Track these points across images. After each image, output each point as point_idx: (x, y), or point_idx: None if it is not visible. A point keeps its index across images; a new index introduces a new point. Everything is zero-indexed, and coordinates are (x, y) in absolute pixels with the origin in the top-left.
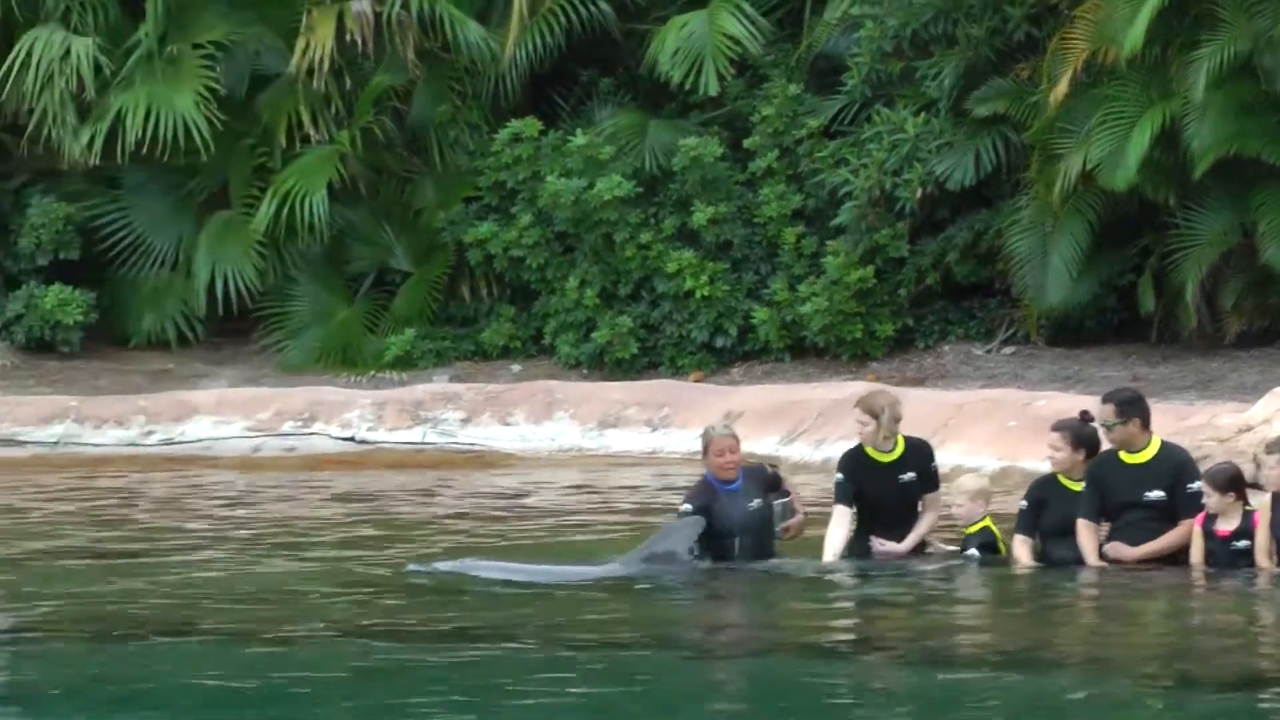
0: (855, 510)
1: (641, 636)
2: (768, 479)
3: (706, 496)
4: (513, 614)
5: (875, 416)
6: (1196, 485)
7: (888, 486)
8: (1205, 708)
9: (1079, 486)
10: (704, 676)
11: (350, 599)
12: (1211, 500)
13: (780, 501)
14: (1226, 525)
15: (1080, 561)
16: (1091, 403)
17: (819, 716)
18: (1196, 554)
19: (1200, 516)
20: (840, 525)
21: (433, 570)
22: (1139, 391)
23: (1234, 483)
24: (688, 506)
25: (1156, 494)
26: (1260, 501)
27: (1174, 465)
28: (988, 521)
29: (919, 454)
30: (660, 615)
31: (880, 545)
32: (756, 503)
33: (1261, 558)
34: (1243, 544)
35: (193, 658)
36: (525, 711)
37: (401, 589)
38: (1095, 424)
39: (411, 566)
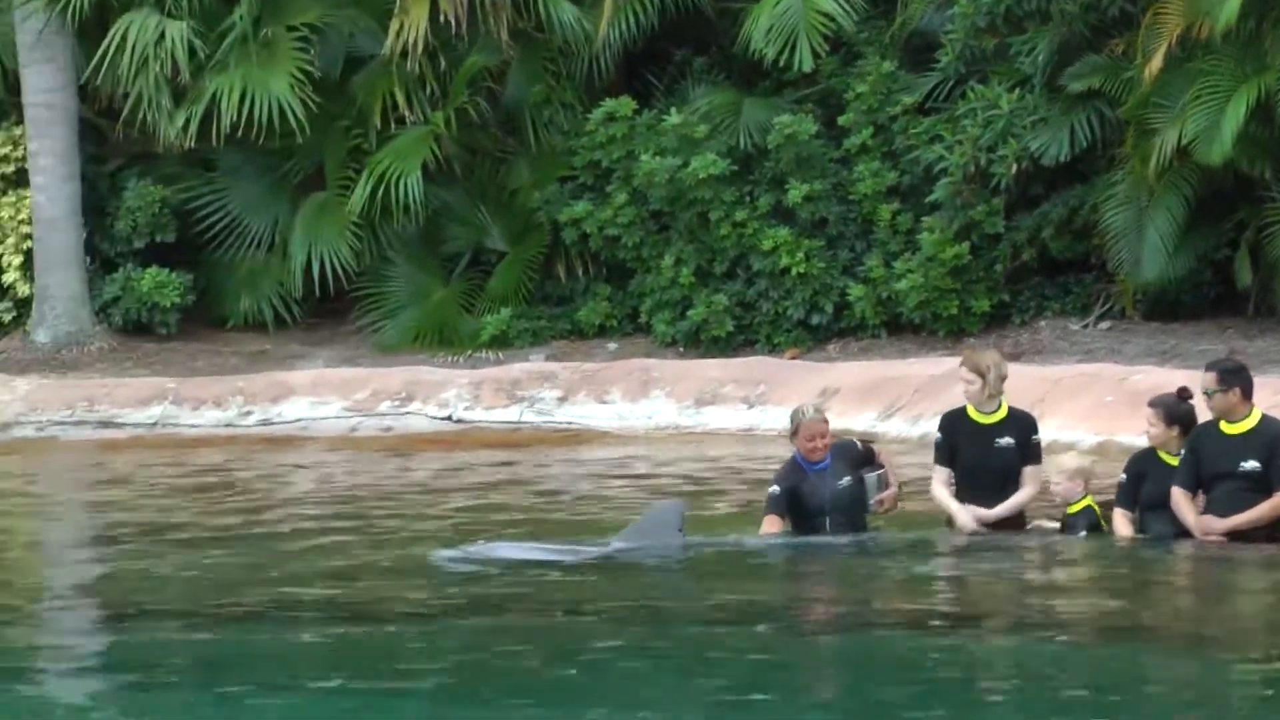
0: (952, 472)
1: (736, 613)
2: (858, 455)
3: (795, 477)
4: (597, 593)
5: (981, 374)
6: None
7: (983, 448)
8: None
9: (1177, 461)
10: (800, 652)
11: (443, 578)
12: None
13: (874, 474)
14: None
15: (1180, 534)
16: (1187, 377)
17: (917, 689)
18: None
19: None
20: (942, 483)
21: (460, 556)
22: (1243, 363)
23: None
24: (776, 488)
25: (1252, 464)
26: None
27: (1271, 437)
28: (1089, 501)
29: (1021, 423)
30: (753, 592)
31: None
32: (846, 480)
33: None
34: None
35: (290, 636)
36: (629, 683)
37: (488, 570)
38: (1192, 401)
39: (441, 553)
